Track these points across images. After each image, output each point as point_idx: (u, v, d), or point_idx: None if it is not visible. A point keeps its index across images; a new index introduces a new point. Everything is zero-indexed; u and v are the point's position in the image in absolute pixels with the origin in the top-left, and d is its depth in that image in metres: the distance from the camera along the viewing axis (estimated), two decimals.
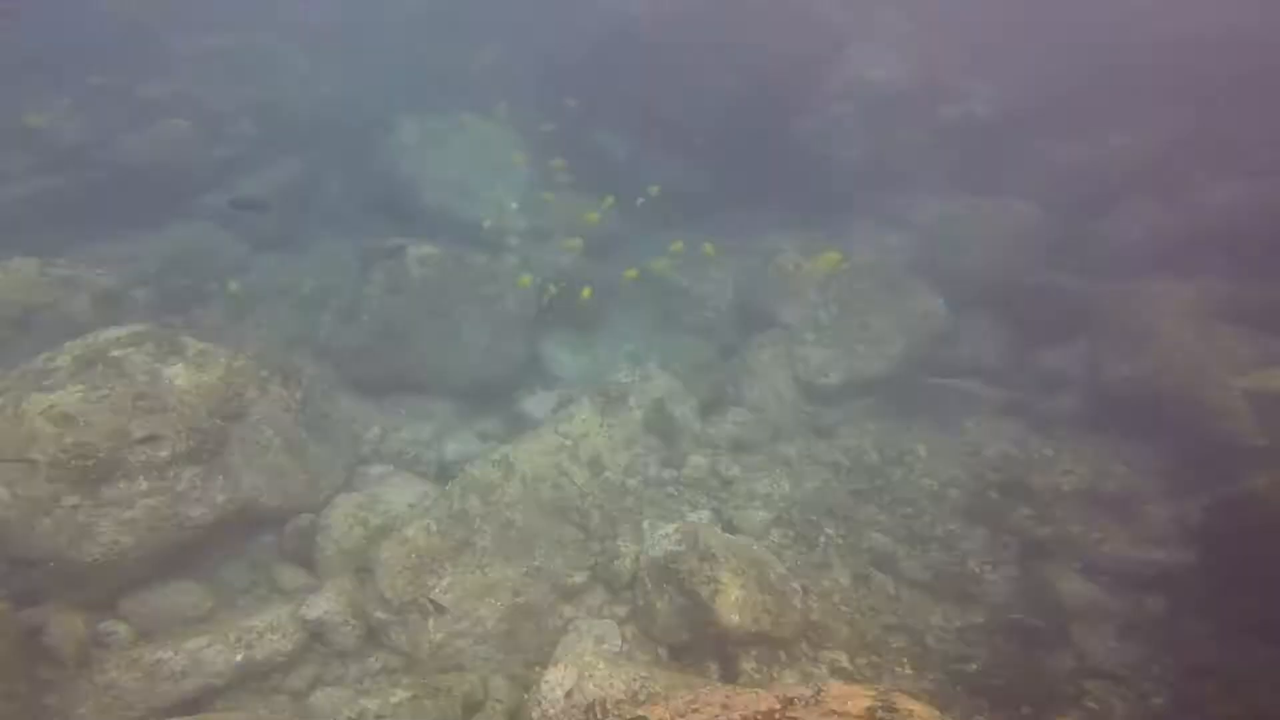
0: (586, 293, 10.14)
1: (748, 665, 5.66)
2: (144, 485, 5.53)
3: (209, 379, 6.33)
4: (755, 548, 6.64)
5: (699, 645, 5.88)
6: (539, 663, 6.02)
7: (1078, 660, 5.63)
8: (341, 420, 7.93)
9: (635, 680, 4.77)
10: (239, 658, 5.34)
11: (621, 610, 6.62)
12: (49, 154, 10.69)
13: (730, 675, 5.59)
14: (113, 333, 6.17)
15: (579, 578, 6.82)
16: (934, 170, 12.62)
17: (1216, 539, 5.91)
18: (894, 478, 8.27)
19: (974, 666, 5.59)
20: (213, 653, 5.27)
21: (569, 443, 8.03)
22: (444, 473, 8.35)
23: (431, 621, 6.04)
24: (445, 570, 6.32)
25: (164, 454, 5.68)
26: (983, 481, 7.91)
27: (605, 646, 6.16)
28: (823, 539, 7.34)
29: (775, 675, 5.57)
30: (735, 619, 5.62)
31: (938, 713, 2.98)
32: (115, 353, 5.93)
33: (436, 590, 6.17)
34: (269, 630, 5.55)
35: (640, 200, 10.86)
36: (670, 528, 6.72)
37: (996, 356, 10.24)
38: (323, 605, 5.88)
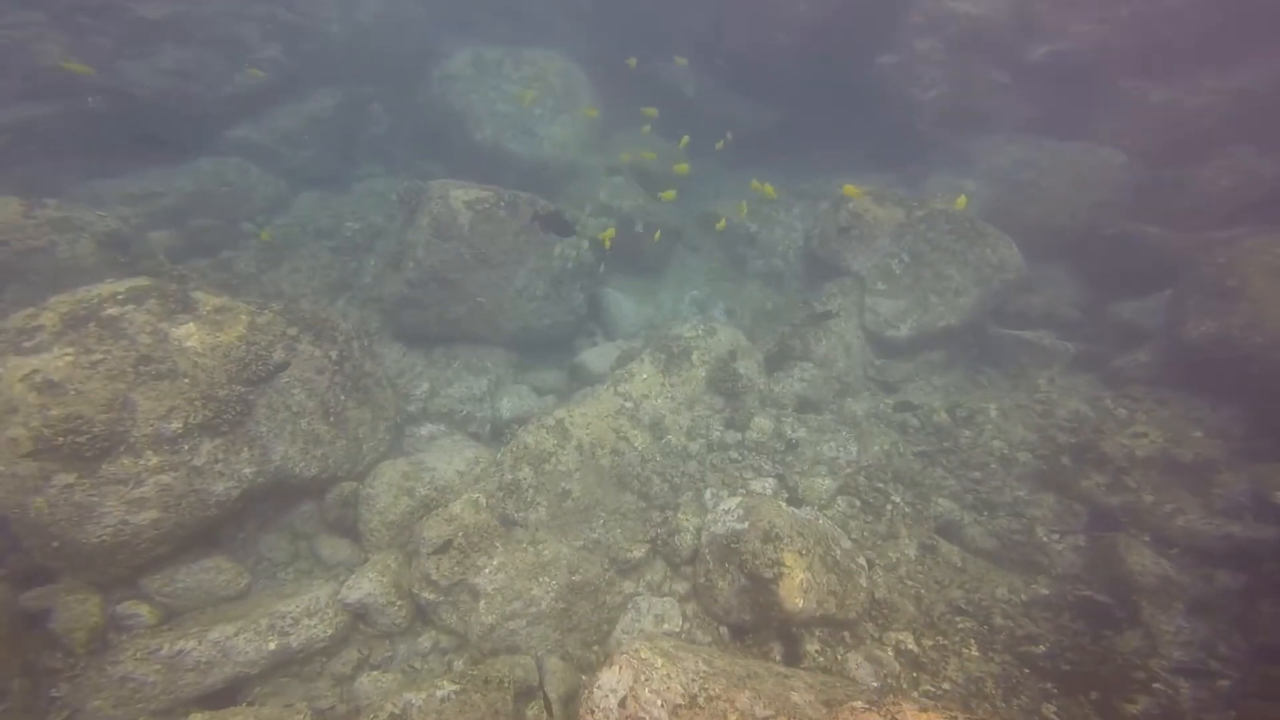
0: (657, 236, 8.68)
1: (812, 648, 4.92)
2: (153, 460, 4.36)
3: (227, 339, 5.05)
4: (821, 522, 5.62)
5: (762, 626, 5.08)
6: (597, 642, 5.29)
7: (1146, 640, 4.86)
8: (385, 378, 6.66)
9: (695, 680, 3.94)
10: (272, 645, 4.33)
11: (682, 587, 5.58)
12: (29, 78, 7.78)
13: (794, 658, 4.91)
14: (108, 287, 4.85)
15: (638, 552, 5.67)
16: (1017, 113, 10.61)
17: None
18: (963, 440, 7.13)
19: (1041, 648, 4.87)
20: (242, 641, 4.28)
21: (629, 404, 6.74)
22: (498, 432, 7.18)
23: (483, 602, 4.91)
24: (495, 549, 5.17)
25: (175, 426, 4.49)
26: (1054, 445, 6.79)
27: (666, 626, 5.27)
28: (889, 507, 6.27)
29: (840, 658, 4.87)
30: (799, 604, 4.81)
31: None
32: (111, 310, 4.64)
33: (486, 571, 5.01)
34: (305, 616, 4.52)
35: (720, 143, 9.10)
36: (733, 502, 5.61)
37: (1071, 307, 8.96)
38: (364, 588, 4.80)
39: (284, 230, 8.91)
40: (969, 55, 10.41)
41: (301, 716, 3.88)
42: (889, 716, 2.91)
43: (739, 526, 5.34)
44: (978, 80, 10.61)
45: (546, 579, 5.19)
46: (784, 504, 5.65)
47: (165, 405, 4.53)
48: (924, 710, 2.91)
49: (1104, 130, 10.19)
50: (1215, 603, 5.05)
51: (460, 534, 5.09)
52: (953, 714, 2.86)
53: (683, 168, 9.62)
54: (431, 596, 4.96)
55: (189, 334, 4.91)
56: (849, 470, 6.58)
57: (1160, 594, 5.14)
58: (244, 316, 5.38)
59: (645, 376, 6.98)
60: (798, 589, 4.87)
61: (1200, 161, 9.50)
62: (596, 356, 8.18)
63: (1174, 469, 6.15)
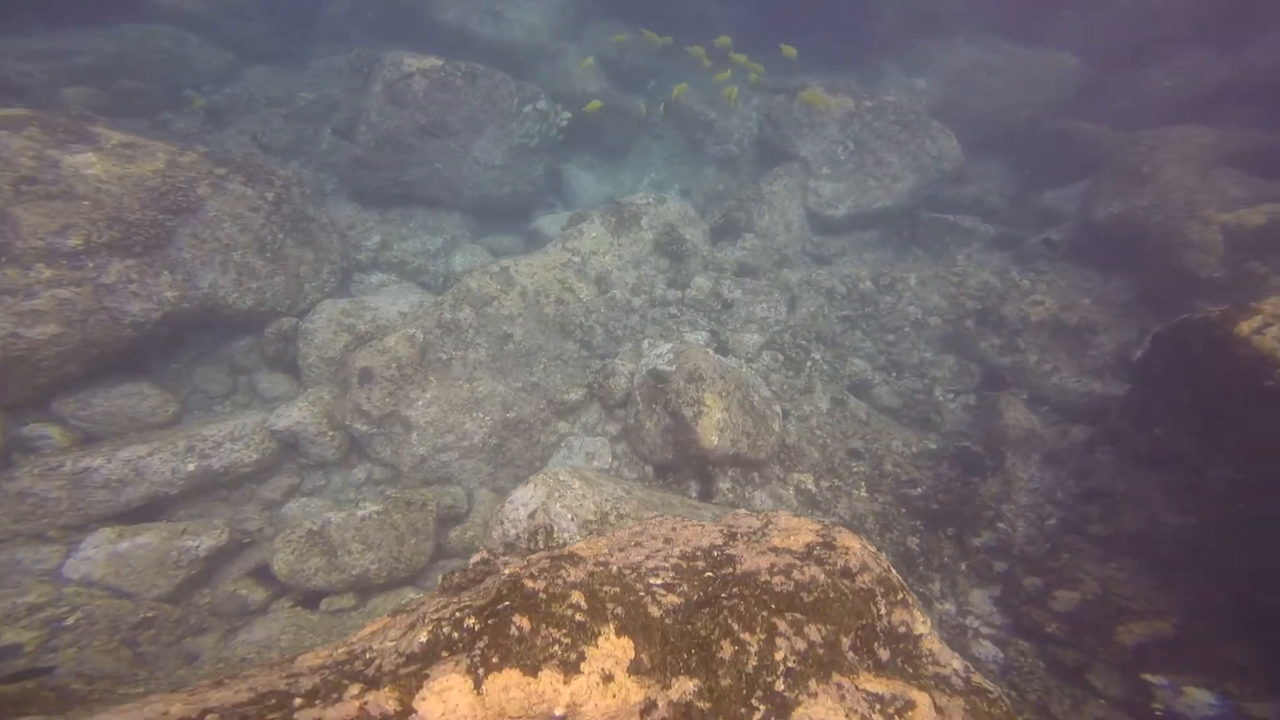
0: (595, 105, 7.58)
1: (724, 485, 4.61)
2: (46, 274, 3.55)
3: (140, 171, 4.14)
4: (744, 370, 5.16)
5: (683, 464, 4.74)
6: (530, 476, 4.72)
7: (1004, 486, 4.73)
8: (331, 225, 5.76)
9: (608, 501, 3.53)
10: (191, 467, 3.76)
11: (614, 428, 5.12)
12: None
13: (708, 494, 4.59)
14: None
15: (575, 394, 5.14)
16: (978, 15, 9.19)
17: (1148, 370, 4.53)
18: (882, 305, 6.59)
19: (918, 490, 4.76)
20: (157, 461, 3.70)
21: (577, 259, 5.99)
22: (449, 284, 6.41)
23: (415, 434, 4.38)
24: (429, 383, 4.57)
25: (73, 242, 3.64)
26: (961, 310, 6.30)
27: (596, 463, 4.85)
28: (809, 364, 5.83)
29: (748, 495, 4.59)
30: (715, 441, 4.42)
31: (872, 548, 2.49)
32: None
33: (419, 403, 4.44)
34: (229, 440, 3.94)
35: (724, 40, 7.79)
36: (665, 347, 5.09)
37: (999, 197, 8.16)
38: (294, 416, 4.22)
39: (231, 98, 7.53)
40: None
41: (219, 531, 3.39)
42: (765, 520, 2.57)
43: (667, 369, 4.83)
44: None
45: (481, 414, 4.67)
46: (711, 351, 5.12)
47: (58, 222, 3.68)
48: (796, 516, 2.56)
49: (1065, 34, 8.96)
50: (1064, 454, 4.88)
51: (394, 365, 4.47)
52: (821, 521, 2.49)
53: (620, 37, 8.44)
54: (364, 428, 4.42)
55: (89, 163, 3.96)
56: (776, 328, 6.04)
57: (1024, 445, 4.94)
58: (162, 154, 4.39)
59: (594, 235, 6.19)
60: (714, 427, 4.45)
61: (1155, 61, 8.40)
62: (553, 223, 7.33)
63: (1060, 331, 5.76)
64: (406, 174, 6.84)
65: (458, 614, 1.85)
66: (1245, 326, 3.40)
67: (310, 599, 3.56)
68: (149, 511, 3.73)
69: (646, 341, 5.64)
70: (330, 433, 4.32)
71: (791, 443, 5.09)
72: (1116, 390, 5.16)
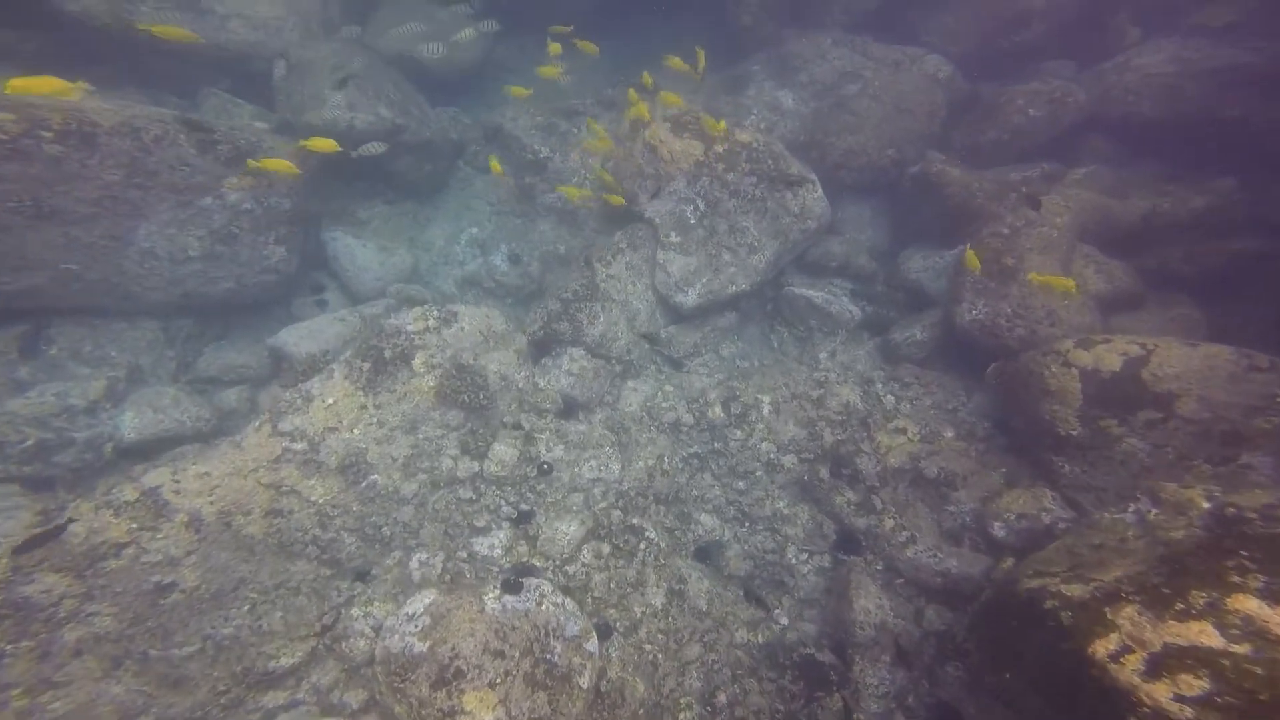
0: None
1: None
2: None
3: None
4: (542, 608, 3.84)
5: None
6: None
7: (852, 694, 3.97)
8: None
9: None
10: None
11: (359, 697, 3.52)
12: None
13: None
14: None
15: (290, 658, 3.55)
16: (849, 2, 7.57)
17: (986, 629, 3.70)
18: (733, 442, 5.41)
19: None
20: None
21: (300, 446, 4.09)
22: (119, 460, 4.11)
23: None
24: None
25: None
26: (820, 444, 5.30)
27: None
28: (643, 546, 4.66)
29: None
30: None
31: None
32: None
33: None
34: None
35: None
36: (419, 604, 3.70)
37: (868, 257, 6.99)
38: None
39: None
40: None
41: None
42: None
43: (418, 647, 3.36)
44: None
45: None
46: (489, 600, 3.64)
47: None
48: None
49: (940, 26, 7.66)
50: (915, 649, 4.19)
51: None
52: None
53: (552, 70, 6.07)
54: None
55: None
56: (604, 503, 4.61)
57: (873, 647, 4.17)
58: None
59: (332, 401, 4.25)
60: None
61: (1020, 79, 7.40)
62: (305, 335, 5.10)
63: (919, 482, 5.02)
64: (11, 282, 4.22)
65: None
66: (1100, 648, 2.75)
67: None
68: None
69: (416, 560, 3.97)
70: None
71: (612, 680, 3.91)
72: (972, 570, 4.40)
